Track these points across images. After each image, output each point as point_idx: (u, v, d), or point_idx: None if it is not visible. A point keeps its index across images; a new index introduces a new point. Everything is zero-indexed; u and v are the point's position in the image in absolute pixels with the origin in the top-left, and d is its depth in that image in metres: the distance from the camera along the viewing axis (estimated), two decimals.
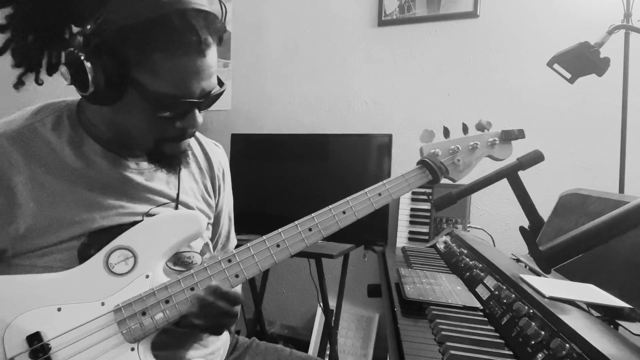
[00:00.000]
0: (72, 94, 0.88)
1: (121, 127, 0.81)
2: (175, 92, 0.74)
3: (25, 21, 0.76)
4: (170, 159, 0.86)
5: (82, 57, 0.71)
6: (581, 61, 1.41)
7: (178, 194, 0.91)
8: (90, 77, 0.71)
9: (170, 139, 0.82)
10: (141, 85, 0.73)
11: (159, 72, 0.72)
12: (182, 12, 0.71)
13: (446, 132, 1.00)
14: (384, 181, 0.94)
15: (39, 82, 0.81)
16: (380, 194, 0.93)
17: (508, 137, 1.01)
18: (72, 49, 0.72)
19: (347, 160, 2.16)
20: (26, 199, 0.78)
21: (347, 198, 0.91)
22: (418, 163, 0.98)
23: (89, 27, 0.70)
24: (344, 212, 0.90)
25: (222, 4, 0.82)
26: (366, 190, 0.93)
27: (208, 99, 0.80)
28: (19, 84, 0.81)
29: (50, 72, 0.80)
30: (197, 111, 0.80)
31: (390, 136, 2.08)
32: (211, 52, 0.76)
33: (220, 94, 0.82)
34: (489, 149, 1.02)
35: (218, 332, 0.87)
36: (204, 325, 0.82)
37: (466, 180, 1.18)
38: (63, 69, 0.73)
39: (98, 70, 0.71)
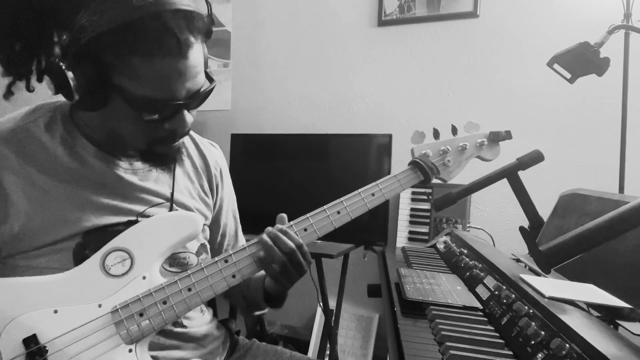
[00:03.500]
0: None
1: (112, 130, 0.81)
2: (158, 95, 0.74)
3: (11, 29, 0.74)
4: (163, 158, 0.86)
5: (63, 67, 0.70)
6: (581, 61, 1.41)
7: (172, 194, 0.91)
8: (72, 85, 0.70)
9: (161, 140, 0.82)
10: (123, 90, 0.73)
11: (139, 76, 0.72)
12: (157, 15, 0.69)
13: (436, 134, 1.02)
14: (377, 181, 0.95)
15: (30, 89, 0.80)
16: (373, 194, 0.94)
17: (496, 138, 1.03)
18: (53, 58, 0.71)
19: (347, 160, 2.16)
20: (20, 198, 0.78)
21: (341, 198, 0.92)
22: (410, 164, 1.00)
23: (64, 37, 0.69)
24: (338, 212, 0.91)
25: (207, 1, 0.81)
26: (360, 190, 0.94)
27: (196, 98, 0.79)
28: (8, 94, 0.79)
29: (41, 79, 0.79)
30: (185, 112, 0.79)
31: (390, 136, 2.08)
32: (194, 52, 0.74)
33: (211, 90, 0.81)
34: (478, 150, 1.03)
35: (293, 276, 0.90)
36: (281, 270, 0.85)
37: (464, 180, 1.18)
38: (46, 79, 0.73)
39: (80, 79, 0.71)
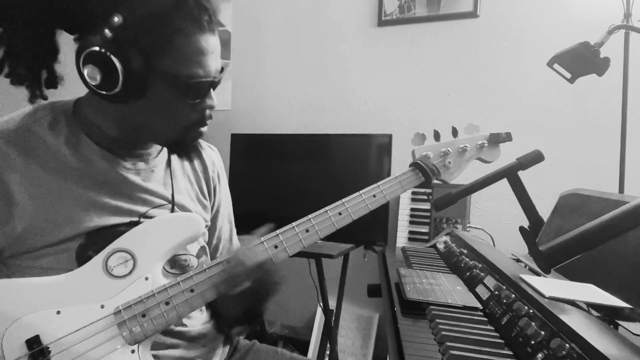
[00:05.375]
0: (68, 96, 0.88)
1: (141, 123, 0.82)
2: (197, 72, 0.77)
3: (17, 40, 0.75)
4: (189, 146, 0.88)
5: (110, 55, 0.72)
6: (581, 61, 1.41)
7: (173, 195, 0.92)
8: (120, 74, 0.72)
9: (192, 125, 0.84)
10: (166, 72, 0.75)
11: (181, 55, 0.75)
12: None
13: (437, 135, 1.03)
14: (378, 183, 0.96)
15: (44, 97, 0.81)
16: (374, 196, 0.95)
17: (496, 139, 1.03)
18: (95, 48, 0.72)
19: (347, 160, 2.16)
20: (23, 198, 0.77)
21: (343, 200, 0.93)
22: (411, 165, 1.00)
23: (116, 19, 0.71)
24: (340, 214, 0.91)
25: None
26: (361, 192, 0.95)
27: (219, 78, 0.82)
28: (33, 97, 0.80)
29: (54, 85, 0.80)
30: (212, 90, 0.82)
31: (390, 136, 2.08)
32: (217, 31, 0.79)
33: (223, 76, 0.84)
34: (478, 152, 1.04)
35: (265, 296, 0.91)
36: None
37: (465, 180, 1.18)
38: (89, 69, 0.73)
39: (127, 66, 0.72)
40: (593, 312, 0.75)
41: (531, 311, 0.70)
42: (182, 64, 0.76)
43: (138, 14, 0.72)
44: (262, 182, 2.29)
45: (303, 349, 2.30)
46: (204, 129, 0.87)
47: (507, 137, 1.03)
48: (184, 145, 0.88)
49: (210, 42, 0.78)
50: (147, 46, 0.73)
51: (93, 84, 0.74)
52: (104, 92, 0.75)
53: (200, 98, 0.81)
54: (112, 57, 0.72)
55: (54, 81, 0.80)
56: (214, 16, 0.78)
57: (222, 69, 0.84)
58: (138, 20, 0.72)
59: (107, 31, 0.71)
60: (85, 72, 0.74)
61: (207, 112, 0.84)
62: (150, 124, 0.82)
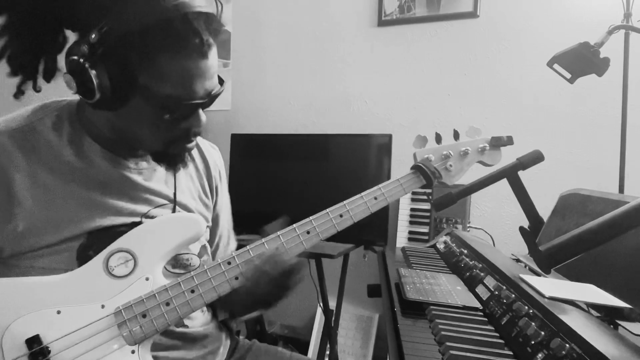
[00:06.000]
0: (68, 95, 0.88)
1: (125, 130, 0.82)
2: (179, 94, 0.75)
3: (21, 29, 0.75)
4: (174, 157, 0.86)
5: (87, 66, 0.71)
6: (581, 61, 1.41)
7: (175, 195, 0.91)
8: (95, 85, 0.71)
9: (177, 140, 0.83)
10: (146, 89, 0.74)
11: (163, 75, 0.73)
12: (184, 16, 0.71)
13: (438, 138, 1.03)
14: (380, 185, 0.96)
15: (37, 89, 0.80)
16: (376, 198, 0.95)
17: (497, 143, 1.03)
18: (75, 57, 0.71)
19: (347, 160, 2.16)
20: (25, 197, 0.78)
21: (344, 202, 0.93)
22: (412, 168, 1.01)
23: (94, 35, 0.70)
24: (341, 216, 0.91)
25: (219, 2, 0.81)
26: (362, 194, 0.95)
27: (211, 98, 0.80)
28: (19, 93, 0.80)
29: (48, 78, 0.80)
30: (200, 111, 0.81)
31: (390, 136, 2.08)
32: (212, 53, 0.77)
33: (221, 92, 0.83)
34: (479, 155, 1.04)
35: (269, 304, 0.90)
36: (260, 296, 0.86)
37: (465, 180, 1.18)
38: (67, 77, 0.73)
39: (104, 78, 0.71)
40: (593, 312, 0.76)
41: (531, 311, 0.70)
42: (163, 84, 0.74)
43: (121, 28, 0.70)
44: (262, 182, 2.29)
45: (303, 349, 2.30)
46: (190, 145, 0.85)
47: (509, 141, 1.03)
48: (167, 158, 0.86)
49: (200, 66, 0.75)
50: (128, 61, 0.72)
51: (71, 92, 0.74)
52: (87, 100, 0.74)
53: (182, 118, 0.79)
54: (89, 69, 0.71)
55: (52, 72, 0.79)
56: (211, 38, 0.75)
57: (222, 82, 0.82)
58: (121, 35, 0.70)
59: (84, 47, 0.70)
60: (64, 81, 0.73)
61: (193, 129, 0.82)
62: (133, 132, 0.81)
